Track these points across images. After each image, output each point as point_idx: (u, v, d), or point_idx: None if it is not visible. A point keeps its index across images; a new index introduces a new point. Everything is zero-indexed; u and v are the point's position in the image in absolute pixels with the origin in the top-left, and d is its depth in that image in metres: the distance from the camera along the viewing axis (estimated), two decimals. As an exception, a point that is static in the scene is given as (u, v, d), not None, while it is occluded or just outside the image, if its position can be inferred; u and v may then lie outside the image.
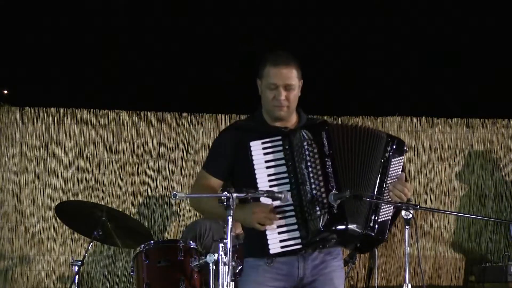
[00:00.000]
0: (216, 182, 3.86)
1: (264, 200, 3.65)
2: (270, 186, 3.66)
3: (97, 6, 10.78)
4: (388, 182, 3.75)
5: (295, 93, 3.84)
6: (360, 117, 6.79)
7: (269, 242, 3.64)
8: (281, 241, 3.65)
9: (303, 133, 3.72)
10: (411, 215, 3.65)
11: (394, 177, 3.78)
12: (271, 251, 3.65)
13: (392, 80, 10.85)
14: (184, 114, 6.62)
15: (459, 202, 6.74)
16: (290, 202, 3.66)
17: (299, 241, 3.65)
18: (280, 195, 3.57)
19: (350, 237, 3.69)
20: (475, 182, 6.82)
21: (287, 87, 3.80)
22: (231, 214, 3.45)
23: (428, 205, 6.70)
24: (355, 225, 3.63)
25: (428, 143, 6.82)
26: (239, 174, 3.81)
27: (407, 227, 3.65)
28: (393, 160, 3.79)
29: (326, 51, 10.87)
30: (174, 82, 11.18)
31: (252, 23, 10.99)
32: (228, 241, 3.43)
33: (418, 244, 3.88)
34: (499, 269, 5.45)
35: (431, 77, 10.84)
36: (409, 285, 3.66)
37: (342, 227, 3.61)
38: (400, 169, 3.82)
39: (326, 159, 3.67)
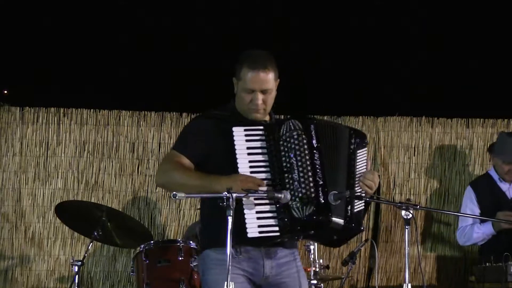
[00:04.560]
0: (186, 162, 3.75)
1: (242, 171, 3.61)
2: (251, 173, 3.63)
3: (97, 6, 10.78)
4: (356, 174, 3.77)
5: (272, 95, 3.83)
6: (360, 117, 6.79)
7: (247, 225, 3.59)
8: (259, 226, 3.61)
9: (294, 123, 3.70)
10: (411, 215, 3.65)
11: (362, 169, 3.80)
12: (249, 235, 3.59)
13: (392, 80, 10.84)
14: (184, 114, 6.62)
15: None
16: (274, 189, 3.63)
17: (277, 228, 3.62)
18: (280, 195, 3.57)
19: (330, 230, 3.69)
20: (475, 182, 6.81)
21: (264, 91, 3.78)
22: (231, 214, 3.44)
23: (428, 205, 6.70)
24: (337, 218, 3.63)
25: (428, 143, 6.82)
26: (216, 163, 3.73)
27: (407, 227, 3.65)
28: (358, 152, 3.80)
29: (327, 51, 10.86)
30: (174, 82, 11.17)
31: (252, 23, 10.98)
32: (228, 241, 3.43)
33: (418, 244, 3.89)
34: (499, 269, 5.45)
35: (431, 77, 10.83)
36: (409, 285, 3.66)
37: (326, 218, 3.61)
38: (365, 162, 3.84)
39: (315, 151, 3.68)
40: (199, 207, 6.26)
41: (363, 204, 3.79)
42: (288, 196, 3.58)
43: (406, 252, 3.64)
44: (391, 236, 6.68)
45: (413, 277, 6.37)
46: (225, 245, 3.46)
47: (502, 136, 6.07)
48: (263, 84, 3.77)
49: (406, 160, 6.77)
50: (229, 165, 3.63)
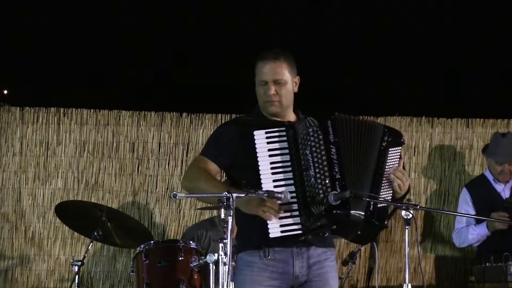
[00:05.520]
0: (214, 167, 3.83)
1: (266, 187, 3.65)
2: (272, 174, 3.67)
3: (97, 6, 10.79)
4: (386, 172, 3.76)
5: (287, 88, 3.84)
6: (360, 117, 6.77)
7: (269, 226, 3.63)
8: (281, 225, 3.64)
9: (309, 120, 3.74)
10: (411, 215, 3.65)
11: (392, 168, 3.79)
12: (271, 235, 3.63)
13: (392, 80, 10.85)
14: (184, 114, 6.62)
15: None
16: (292, 189, 3.66)
17: (299, 226, 3.65)
18: (280, 195, 3.58)
19: (351, 224, 3.68)
20: (475, 182, 6.80)
21: (276, 82, 3.81)
22: (231, 214, 3.45)
23: (428, 205, 6.69)
24: (357, 211, 3.63)
25: (428, 143, 6.82)
26: (240, 166, 3.79)
27: (407, 227, 3.65)
28: (390, 150, 3.80)
29: (327, 50, 10.87)
30: (174, 82, 11.18)
31: (252, 23, 10.99)
32: (228, 241, 3.43)
33: (418, 244, 3.89)
34: (499, 269, 5.45)
35: (431, 77, 10.84)
36: (409, 285, 3.67)
37: (344, 212, 3.61)
38: (398, 160, 3.83)
39: (331, 146, 3.69)
40: (199, 207, 6.30)
41: (390, 197, 3.77)
42: (288, 196, 3.60)
43: (406, 252, 3.64)
44: (391, 236, 6.68)
45: (413, 277, 6.36)
46: (254, 248, 3.64)
47: (495, 136, 6.09)
48: (274, 75, 3.80)
49: (406, 160, 6.76)
50: (252, 168, 3.68)
